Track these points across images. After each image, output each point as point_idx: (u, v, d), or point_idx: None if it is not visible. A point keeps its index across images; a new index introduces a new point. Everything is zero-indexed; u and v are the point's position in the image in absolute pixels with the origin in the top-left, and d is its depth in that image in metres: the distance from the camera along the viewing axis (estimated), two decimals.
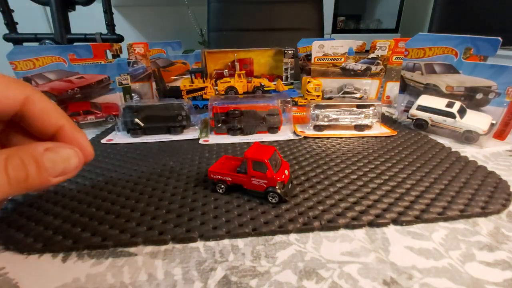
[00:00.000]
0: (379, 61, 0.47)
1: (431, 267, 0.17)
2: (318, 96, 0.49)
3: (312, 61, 0.49)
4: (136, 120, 0.39)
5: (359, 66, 0.48)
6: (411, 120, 0.41)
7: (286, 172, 0.24)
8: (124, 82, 0.48)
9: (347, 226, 0.21)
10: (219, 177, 0.25)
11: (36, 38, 1.12)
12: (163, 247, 0.19)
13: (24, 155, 0.14)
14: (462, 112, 0.37)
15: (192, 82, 0.55)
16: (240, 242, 0.20)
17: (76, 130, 0.17)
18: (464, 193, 0.24)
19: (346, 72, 0.49)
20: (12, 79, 0.16)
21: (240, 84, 0.56)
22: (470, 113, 0.37)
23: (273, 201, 0.23)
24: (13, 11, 1.10)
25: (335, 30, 1.87)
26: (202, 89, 0.55)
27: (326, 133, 0.39)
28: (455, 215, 0.22)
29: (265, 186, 0.23)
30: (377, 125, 0.41)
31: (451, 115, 0.37)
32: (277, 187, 0.23)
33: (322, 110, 0.40)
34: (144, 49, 0.53)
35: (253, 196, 0.24)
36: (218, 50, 0.62)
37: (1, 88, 0.15)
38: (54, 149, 0.15)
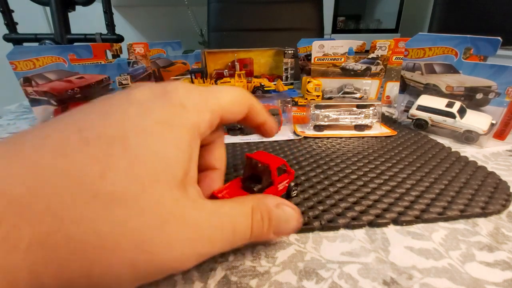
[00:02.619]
0: (379, 61, 0.47)
1: (431, 267, 0.17)
2: (318, 96, 0.49)
3: (312, 61, 0.49)
4: None
5: (359, 66, 0.48)
6: (411, 120, 0.41)
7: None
8: (124, 82, 0.48)
9: (347, 226, 0.21)
10: None
11: (36, 38, 1.12)
12: None
13: (263, 210, 0.16)
14: (462, 112, 0.37)
15: (192, 82, 0.55)
16: None
17: (273, 122, 0.21)
18: (464, 193, 0.24)
19: (346, 72, 0.49)
20: (239, 89, 0.18)
21: (240, 84, 0.56)
22: (470, 113, 0.37)
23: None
24: (13, 11, 1.11)
25: (335, 30, 1.87)
26: None
27: (326, 133, 0.39)
28: (455, 215, 0.22)
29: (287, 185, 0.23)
30: (377, 125, 0.41)
31: (451, 115, 0.37)
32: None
33: (322, 110, 0.40)
34: (144, 49, 0.53)
35: None
36: (218, 50, 0.62)
37: (241, 100, 0.18)
38: (281, 206, 0.17)
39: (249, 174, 0.22)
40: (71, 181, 0.11)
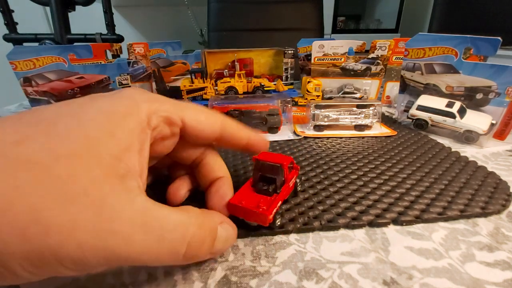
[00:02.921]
0: (379, 61, 0.47)
1: (431, 267, 0.17)
2: (318, 96, 0.49)
3: (312, 61, 0.49)
4: None
5: (359, 66, 0.48)
6: (411, 120, 0.41)
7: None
8: (124, 82, 0.48)
9: (347, 226, 0.21)
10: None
11: (36, 38, 1.12)
12: None
13: (212, 227, 0.15)
14: (462, 112, 0.37)
15: (192, 82, 0.55)
16: (240, 242, 0.20)
17: (259, 136, 0.21)
18: (464, 193, 0.24)
19: (346, 72, 0.49)
20: (210, 111, 0.18)
21: (240, 84, 0.56)
22: (470, 113, 0.37)
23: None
24: (13, 11, 1.10)
25: (335, 30, 1.87)
26: (202, 89, 0.55)
27: (326, 133, 0.39)
28: (455, 215, 0.22)
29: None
30: (377, 125, 0.41)
31: (451, 115, 0.37)
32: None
33: (322, 110, 0.40)
34: (144, 49, 0.53)
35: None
36: (218, 50, 0.62)
37: (206, 118, 0.18)
38: (224, 224, 0.16)
39: (258, 175, 0.21)
40: None
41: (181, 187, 0.21)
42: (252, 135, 0.20)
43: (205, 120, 0.18)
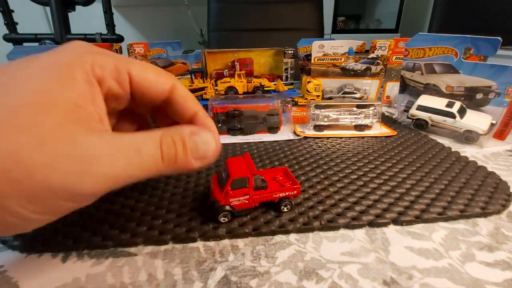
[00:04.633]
0: (379, 61, 0.47)
1: (431, 267, 0.17)
2: (318, 96, 0.49)
3: (312, 61, 0.49)
4: None
5: (359, 66, 0.48)
6: (411, 120, 0.41)
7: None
8: None
9: (347, 226, 0.21)
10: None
11: (36, 38, 1.12)
12: (163, 247, 0.19)
13: (175, 135, 0.15)
14: (462, 112, 0.37)
15: (192, 82, 0.55)
16: (240, 242, 0.20)
17: (207, 117, 0.19)
18: (464, 193, 0.24)
19: (346, 72, 0.49)
20: (160, 69, 0.17)
21: (240, 84, 0.56)
22: (470, 113, 0.37)
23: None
24: (13, 11, 1.11)
25: (335, 30, 1.87)
26: (202, 89, 0.55)
27: (326, 133, 0.39)
28: (455, 215, 0.22)
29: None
30: (377, 125, 0.41)
31: (451, 115, 0.37)
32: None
33: (322, 110, 0.40)
34: (144, 49, 0.53)
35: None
36: (218, 50, 0.62)
37: (155, 77, 0.17)
38: (197, 132, 0.16)
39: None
40: None
41: None
42: (201, 112, 0.18)
43: (153, 78, 0.17)
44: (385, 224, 0.21)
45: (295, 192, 0.22)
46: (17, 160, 0.11)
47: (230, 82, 0.56)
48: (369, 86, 0.49)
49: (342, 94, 0.50)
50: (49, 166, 0.12)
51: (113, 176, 0.13)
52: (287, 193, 0.22)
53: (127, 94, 0.16)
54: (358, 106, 0.40)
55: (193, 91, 0.54)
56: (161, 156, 0.15)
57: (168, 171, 0.15)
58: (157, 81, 0.17)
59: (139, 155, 0.14)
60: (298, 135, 0.39)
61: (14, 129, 0.11)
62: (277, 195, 0.22)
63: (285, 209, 0.22)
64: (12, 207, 0.12)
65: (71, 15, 1.13)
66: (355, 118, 0.40)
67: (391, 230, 0.21)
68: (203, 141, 0.16)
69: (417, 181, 0.26)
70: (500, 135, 0.37)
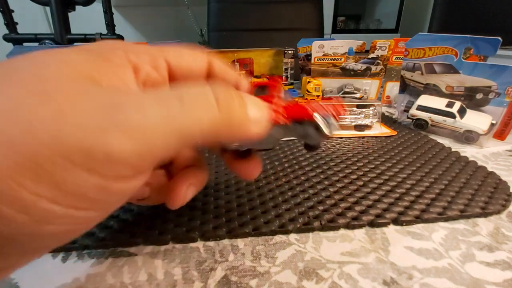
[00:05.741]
0: (379, 61, 0.47)
1: (431, 267, 0.17)
2: (318, 96, 0.49)
3: (312, 61, 0.49)
4: None
5: (359, 66, 0.48)
6: (411, 120, 0.41)
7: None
8: None
9: (347, 226, 0.21)
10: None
11: (36, 38, 1.12)
12: (163, 247, 0.19)
13: (227, 85, 0.14)
14: (462, 112, 0.37)
15: None
16: (240, 242, 0.20)
17: (249, 85, 0.18)
18: (464, 193, 0.24)
19: (346, 72, 0.49)
20: (193, 48, 0.17)
21: None
22: (470, 113, 0.37)
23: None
24: (13, 11, 1.11)
25: (335, 30, 1.87)
26: None
27: None
28: (455, 215, 0.22)
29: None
30: (377, 125, 0.41)
31: (451, 115, 0.37)
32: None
33: None
34: None
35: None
36: (218, 50, 0.62)
37: (192, 58, 0.16)
38: (246, 95, 0.14)
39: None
40: None
41: (183, 182, 0.17)
42: (243, 82, 0.18)
43: (190, 59, 0.16)
44: (385, 224, 0.21)
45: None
46: (14, 116, 0.08)
47: None
48: (369, 86, 0.49)
49: (342, 94, 0.50)
50: (57, 119, 0.09)
51: (149, 129, 0.10)
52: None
53: (165, 80, 0.16)
54: (358, 106, 0.40)
55: None
56: (218, 105, 0.12)
57: (224, 128, 0.12)
58: (195, 61, 0.16)
59: (182, 103, 0.11)
60: None
61: (13, 83, 0.09)
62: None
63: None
64: (9, 186, 0.08)
65: (71, 15, 1.13)
66: (355, 118, 0.40)
67: (391, 230, 0.21)
68: (255, 103, 0.14)
69: (417, 181, 0.26)
70: (500, 135, 0.37)
